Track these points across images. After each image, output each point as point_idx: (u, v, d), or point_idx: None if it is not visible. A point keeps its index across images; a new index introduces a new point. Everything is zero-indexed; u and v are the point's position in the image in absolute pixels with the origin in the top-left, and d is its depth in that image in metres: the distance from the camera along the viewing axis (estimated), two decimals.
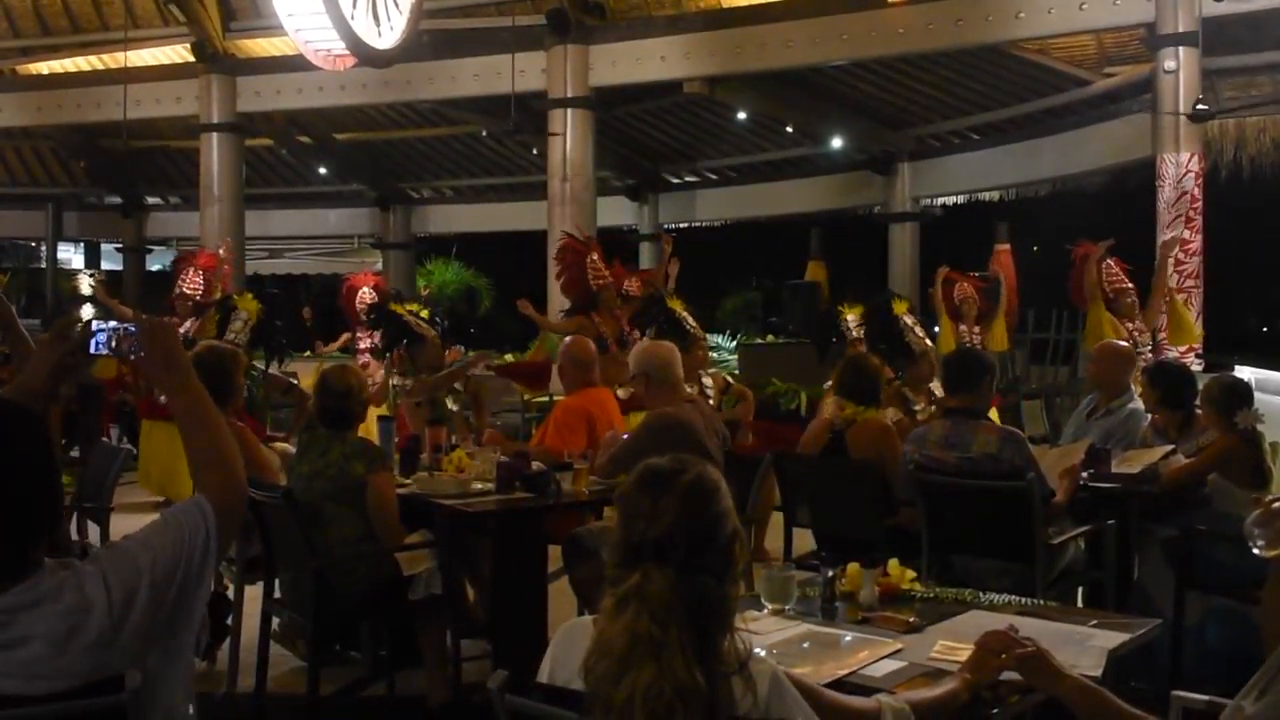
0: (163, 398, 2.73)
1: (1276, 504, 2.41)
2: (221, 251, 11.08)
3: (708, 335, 9.03)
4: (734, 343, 16.52)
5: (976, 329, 9.69)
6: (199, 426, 2.39)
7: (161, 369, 2.40)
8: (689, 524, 2.13)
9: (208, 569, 2.27)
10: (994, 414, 9.33)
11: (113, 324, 2.48)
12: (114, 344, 2.46)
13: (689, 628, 2.05)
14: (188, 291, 10.28)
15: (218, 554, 2.29)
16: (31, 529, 2.17)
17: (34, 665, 2.12)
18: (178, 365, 2.40)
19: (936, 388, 7.65)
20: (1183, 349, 9.98)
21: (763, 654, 2.22)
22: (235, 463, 2.39)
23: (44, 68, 18.94)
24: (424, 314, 8.15)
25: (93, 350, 2.50)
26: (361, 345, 10.10)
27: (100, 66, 18.41)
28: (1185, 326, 9.69)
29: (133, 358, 2.43)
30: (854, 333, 8.96)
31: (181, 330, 9.86)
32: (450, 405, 7.19)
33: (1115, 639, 2.97)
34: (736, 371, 12.21)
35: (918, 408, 7.39)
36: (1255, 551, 3.30)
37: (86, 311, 21.97)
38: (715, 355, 9.23)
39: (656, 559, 2.10)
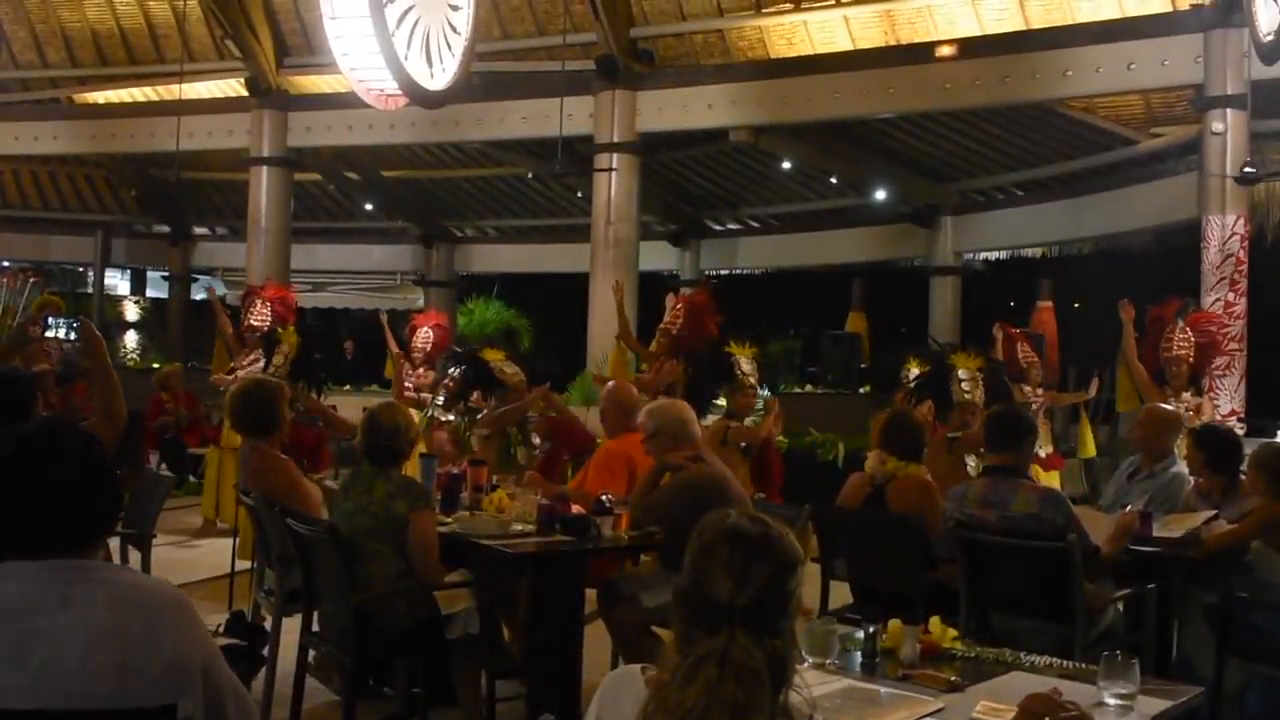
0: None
1: None
2: (266, 283, 11.17)
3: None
4: (767, 392, 16.47)
5: (1039, 391, 9.62)
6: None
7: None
8: (777, 591, 2.14)
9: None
10: (1056, 476, 9.31)
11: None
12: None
13: (770, 691, 2.06)
14: (255, 323, 10.27)
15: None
16: (88, 527, 2.42)
17: (88, 633, 2.25)
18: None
19: None
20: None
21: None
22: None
23: (100, 97, 19.25)
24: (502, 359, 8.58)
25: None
26: (409, 382, 10.13)
27: (155, 98, 18.71)
28: (1125, 390, 9.37)
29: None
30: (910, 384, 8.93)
31: (246, 362, 9.94)
32: (520, 459, 7.40)
33: (1157, 706, 2.95)
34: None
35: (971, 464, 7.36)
36: None
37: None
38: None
39: (744, 624, 2.09)
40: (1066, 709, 2.55)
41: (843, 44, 14.71)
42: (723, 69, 15.12)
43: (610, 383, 7.08)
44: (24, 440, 2.45)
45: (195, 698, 2.31)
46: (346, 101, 14.95)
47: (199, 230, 23.63)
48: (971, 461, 7.52)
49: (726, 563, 2.14)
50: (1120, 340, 8.94)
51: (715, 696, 2.03)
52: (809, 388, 15.71)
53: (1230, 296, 11.35)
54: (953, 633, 3.47)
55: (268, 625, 5.60)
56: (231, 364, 10.24)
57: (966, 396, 8.07)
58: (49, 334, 10.09)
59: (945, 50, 13.39)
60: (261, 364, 9.70)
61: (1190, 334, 8.78)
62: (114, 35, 18.45)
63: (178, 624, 2.33)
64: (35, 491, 2.34)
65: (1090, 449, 10.55)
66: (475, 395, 8.66)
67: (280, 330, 10.05)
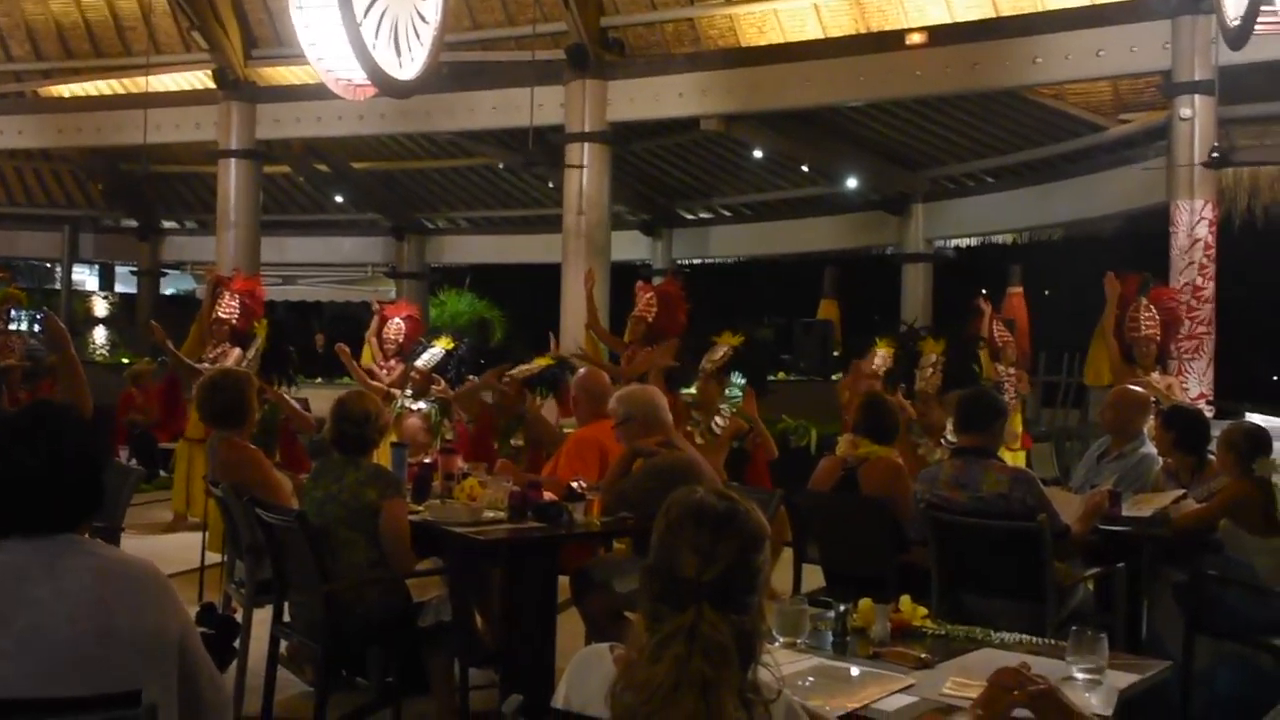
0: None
1: None
2: (230, 272, 11.03)
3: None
4: (744, 379, 16.49)
5: (1011, 371, 9.67)
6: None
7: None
8: (744, 567, 2.14)
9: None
10: (1021, 456, 9.34)
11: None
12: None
13: (738, 667, 2.06)
14: (223, 316, 9.96)
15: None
16: (78, 506, 2.53)
17: (75, 599, 2.33)
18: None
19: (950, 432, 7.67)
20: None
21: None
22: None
23: (65, 90, 19.10)
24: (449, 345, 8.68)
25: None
26: (378, 372, 10.03)
27: (121, 91, 18.57)
28: (1097, 365, 9.40)
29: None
30: (877, 368, 8.97)
31: (213, 354, 9.79)
32: (513, 441, 7.44)
33: (1126, 679, 2.97)
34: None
35: (921, 451, 7.40)
36: None
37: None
38: (725, 392, 9.13)
39: (711, 600, 2.09)
40: (1035, 682, 2.55)
41: (813, 32, 14.71)
42: (693, 58, 15.10)
43: (581, 370, 7.07)
44: (16, 422, 2.59)
45: (170, 670, 2.41)
46: (315, 93, 14.89)
47: (168, 224, 23.48)
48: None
49: (693, 539, 2.14)
50: (1100, 315, 8.94)
51: (683, 673, 2.02)
52: (782, 375, 15.72)
53: (1199, 280, 11.41)
54: (922, 611, 3.48)
55: (239, 617, 5.56)
56: (201, 356, 10.09)
57: (922, 385, 8.11)
58: (12, 328, 9.93)
59: (915, 38, 13.41)
60: (232, 357, 9.63)
61: (1155, 311, 8.84)
62: (79, 27, 18.30)
63: (159, 597, 2.44)
64: (27, 471, 2.45)
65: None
66: (441, 386, 8.77)
67: (256, 324, 9.98)
